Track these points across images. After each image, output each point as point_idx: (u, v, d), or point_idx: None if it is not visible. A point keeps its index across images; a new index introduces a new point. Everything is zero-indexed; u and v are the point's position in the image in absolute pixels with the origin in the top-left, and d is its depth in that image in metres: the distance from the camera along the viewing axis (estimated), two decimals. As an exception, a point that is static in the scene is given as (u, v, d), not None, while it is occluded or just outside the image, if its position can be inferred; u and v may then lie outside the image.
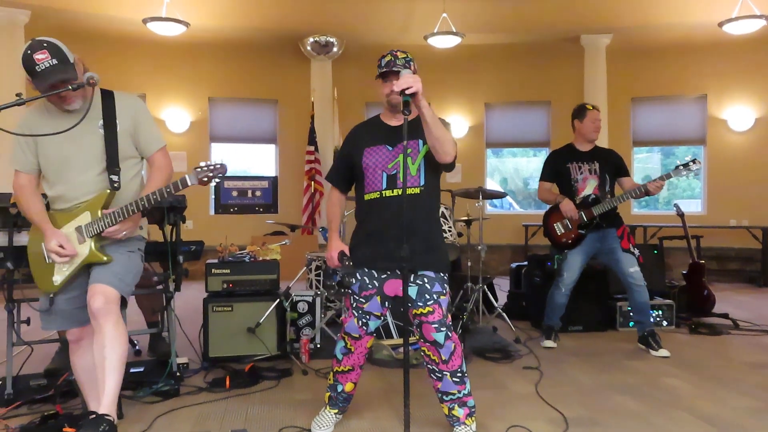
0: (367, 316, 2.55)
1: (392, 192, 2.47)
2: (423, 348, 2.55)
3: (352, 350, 2.61)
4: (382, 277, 2.52)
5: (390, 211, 2.47)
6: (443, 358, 2.49)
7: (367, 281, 2.53)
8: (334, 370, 2.68)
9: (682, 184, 10.12)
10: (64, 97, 2.32)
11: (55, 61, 2.25)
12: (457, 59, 8.63)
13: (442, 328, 2.47)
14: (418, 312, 2.46)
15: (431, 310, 2.46)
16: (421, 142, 2.48)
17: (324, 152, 8.51)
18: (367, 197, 2.54)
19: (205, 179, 2.30)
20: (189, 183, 2.34)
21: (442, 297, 2.49)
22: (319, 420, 2.69)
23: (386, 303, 2.57)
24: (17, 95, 2.15)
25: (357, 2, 7.86)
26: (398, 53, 2.50)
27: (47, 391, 3.05)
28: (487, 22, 8.04)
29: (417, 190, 2.49)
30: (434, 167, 2.52)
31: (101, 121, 2.45)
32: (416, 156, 2.49)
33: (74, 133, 2.32)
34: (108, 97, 2.51)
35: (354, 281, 2.52)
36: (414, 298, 2.46)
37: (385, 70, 2.49)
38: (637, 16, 7.82)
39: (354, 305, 2.56)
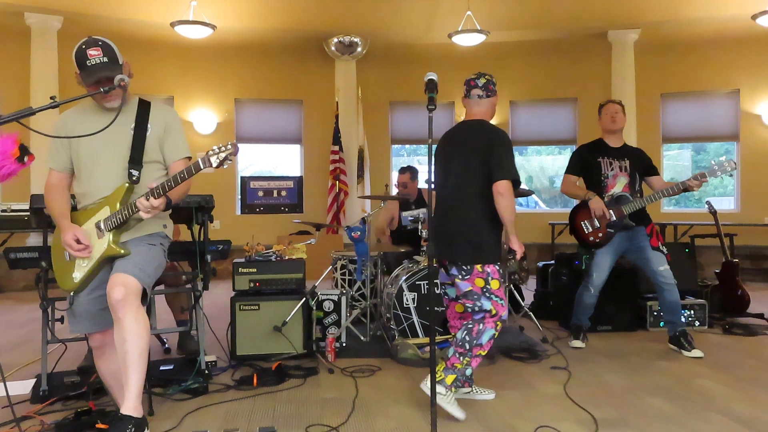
0: None
1: None
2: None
3: (497, 335, 2.88)
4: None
5: None
6: None
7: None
8: (476, 354, 2.80)
9: (714, 181, 9.90)
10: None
11: (105, 59, 2.37)
12: (482, 57, 8.56)
13: None
14: None
15: None
16: None
17: (348, 152, 8.54)
18: None
19: (217, 161, 2.27)
20: (202, 167, 2.29)
21: None
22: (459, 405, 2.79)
23: None
24: (51, 98, 2.20)
25: (381, 2, 7.86)
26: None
27: (80, 387, 3.11)
28: (512, 19, 7.97)
29: None
30: None
31: (134, 123, 2.52)
32: None
33: (105, 132, 2.38)
34: (145, 105, 2.58)
35: None
36: None
37: None
38: (665, 11, 7.67)
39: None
